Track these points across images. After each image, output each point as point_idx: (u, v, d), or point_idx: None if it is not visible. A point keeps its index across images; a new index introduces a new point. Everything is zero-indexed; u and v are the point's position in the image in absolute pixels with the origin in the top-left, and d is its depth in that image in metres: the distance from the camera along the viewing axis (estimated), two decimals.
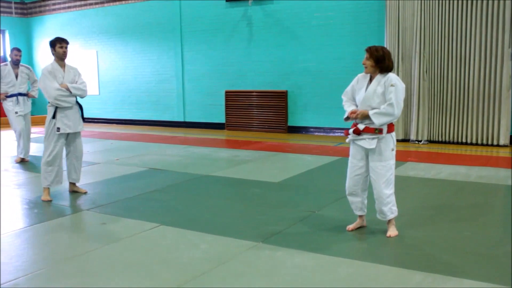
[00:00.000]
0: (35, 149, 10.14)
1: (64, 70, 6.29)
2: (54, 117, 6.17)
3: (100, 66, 16.28)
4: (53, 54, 6.28)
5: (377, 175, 4.62)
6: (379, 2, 11.00)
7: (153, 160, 8.91)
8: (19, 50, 9.06)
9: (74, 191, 6.57)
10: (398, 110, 4.42)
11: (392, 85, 4.43)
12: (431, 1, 10.24)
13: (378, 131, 4.53)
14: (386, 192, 4.61)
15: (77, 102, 6.38)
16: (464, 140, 10.25)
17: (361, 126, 4.60)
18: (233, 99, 13.45)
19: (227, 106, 13.57)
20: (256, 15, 12.80)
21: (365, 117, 4.56)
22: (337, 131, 11.94)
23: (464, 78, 10.13)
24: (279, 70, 12.65)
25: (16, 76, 8.91)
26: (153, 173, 7.83)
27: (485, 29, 9.80)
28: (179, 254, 4.29)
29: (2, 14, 17.21)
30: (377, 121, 4.46)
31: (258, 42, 12.88)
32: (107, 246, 4.55)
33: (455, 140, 10.36)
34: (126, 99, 15.84)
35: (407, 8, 10.50)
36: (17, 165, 8.76)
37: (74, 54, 16.59)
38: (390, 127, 4.59)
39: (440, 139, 10.53)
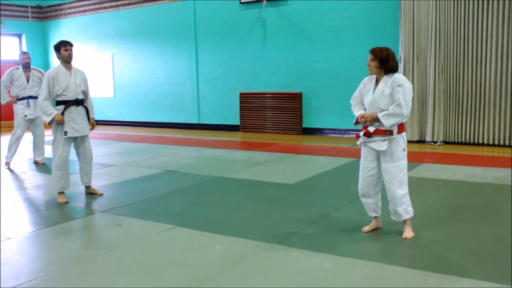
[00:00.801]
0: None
1: (70, 73, 6.28)
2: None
3: (115, 69, 16.39)
4: (58, 57, 6.31)
5: (390, 176, 4.62)
6: (393, 2, 10.95)
7: (168, 162, 8.94)
8: (25, 53, 9.09)
9: (90, 193, 6.62)
10: (406, 110, 4.42)
11: (399, 86, 4.44)
12: (446, 1, 10.16)
13: (389, 132, 4.54)
14: (400, 193, 4.61)
15: (84, 105, 6.39)
16: (480, 141, 10.15)
17: (371, 129, 4.61)
18: (247, 101, 13.46)
19: (241, 108, 13.59)
20: (270, 17, 12.81)
21: (375, 119, 4.56)
22: (352, 132, 11.90)
23: (480, 79, 10.04)
24: (294, 71, 12.64)
25: (28, 80, 8.94)
26: (168, 175, 7.86)
27: (501, 29, 9.70)
28: (194, 256, 4.30)
29: (18, 18, 17.41)
30: (387, 122, 4.47)
31: (273, 44, 12.88)
32: (122, 247, 4.58)
33: (471, 141, 10.27)
34: (141, 101, 15.92)
35: (422, 7, 10.44)
36: (34, 167, 8.84)
37: (90, 57, 16.74)
38: (401, 128, 4.58)
39: (456, 140, 10.45)
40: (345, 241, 4.60)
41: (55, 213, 5.84)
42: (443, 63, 10.34)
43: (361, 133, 4.70)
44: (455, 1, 10.09)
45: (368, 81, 4.77)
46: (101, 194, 6.58)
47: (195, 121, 14.70)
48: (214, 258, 4.23)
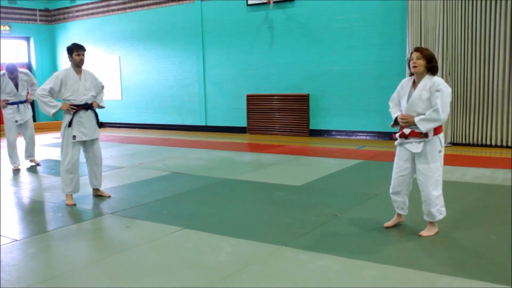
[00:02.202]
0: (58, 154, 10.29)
1: (80, 77, 6.27)
2: (70, 125, 6.20)
3: (122, 71, 16.44)
4: (70, 60, 6.30)
5: (425, 177, 4.65)
6: (401, 3, 10.92)
7: (176, 164, 8.95)
8: (13, 71, 8.77)
9: (98, 195, 6.63)
10: (444, 115, 4.44)
11: (437, 90, 4.46)
12: (454, 1, 10.13)
13: (424, 135, 4.57)
14: (435, 194, 4.65)
15: (92, 109, 6.39)
16: (488, 143, 10.11)
17: (406, 131, 4.66)
18: (255, 102, 13.46)
19: (249, 110, 13.59)
20: (278, 19, 12.81)
21: (411, 123, 4.60)
22: (359, 134, 11.88)
23: (488, 80, 10.00)
24: (301, 73, 12.64)
25: (16, 86, 8.86)
26: (176, 177, 7.87)
27: (509, 29, 9.66)
28: (203, 257, 4.30)
29: (27, 22, 17.50)
30: (423, 127, 4.50)
31: (280, 46, 12.88)
32: (130, 249, 4.58)
33: (479, 142, 10.22)
34: (149, 103, 15.96)
35: (429, 8, 10.40)
36: (40, 168, 8.87)
37: (98, 60, 16.79)
38: (437, 129, 4.60)
39: (464, 142, 10.40)
40: (354, 243, 4.58)
41: (63, 215, 5.86)
42: (450, 64, 10.30)
43: (397, 135, 4.77)
44: (463, 2, 10.06)
45: (406, 82, 4.81)
46: (109, 196, 6.59)
47: (203, 123, 14.72)
48: (223, 259, 4.23)
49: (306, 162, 9.09)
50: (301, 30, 12.48)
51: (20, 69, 9.09)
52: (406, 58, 10.77)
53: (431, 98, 4.50)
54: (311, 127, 12.66)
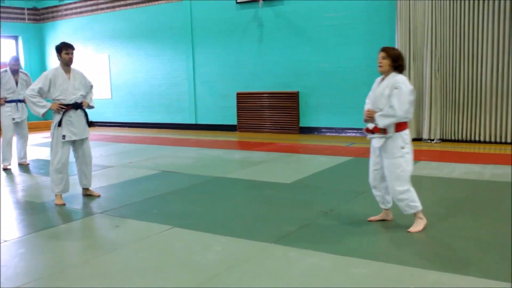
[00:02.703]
0: (47, 154, 10.23)
1: (69, 77, 6.22)
2: (59, 125, 6.16)
3: (112, 70, 16.38)
4: (59, 59, 6.26)
5: (387, 171, 4.79)
6: (390, 1, 10.96)
7: (166, 163, 8.94)
8: (17, 59, 9.08)
9: (88, 195, 6.61)
10: (401, 112, 4.55)
11: (396, 88, 4.60)
12: (442, 0, 10.20)
13: (383, 130, 4.70)
14: (398, 189, 4.73)
15: (82, 108, 6.35)
16: (477, 139, 10.18)
17: (370, 126, 4.81)
18: (244, 100, 13.46)
19: (238, 108, 13.59)
20: (267, 17, 12.81)
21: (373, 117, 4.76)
22: (349, 131, 11.91)
23: (476, 76, 10.06)
24: (291, 71, 12.65)
25: (16, 83, 8.94)
26: (166, 175, 7.86)
27: (497, 27, 9.72)
28: (193, 256, 4.30)
29: (15, 20, 17.38)
30: (380, 122, 4.67)
31: (269, 43, 12.89)
32: (120, 249, 4.57)
33: (468, 138, 10.29)
34: (139, 102, 15.91)
35: (418, 6, 10.45)
36: (30, 168, 8.82)
37: (87, 58, 16.72)
38: (399, 126, 4.68)
39: (452, 138, 10.47)
40: (343, 240, 4.60)
41: (52, 215, 5.83)
42: (439, 61, 10.36)
43: (364, 129, 4.95)
44: (451, 0, 10.11)
45: (378, 80, 4.93)
46: (99, 196, 6.57)
47: (193, 122, 14.70)
48: (213, 258, 4.23)
49: (296, 159, 9.10)
50: (290, 28, 12.48)
51: (21, 70, 9.19)
52: None
53: (390, 95, 4.64)
54: (301, 124, 12.68)
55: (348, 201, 5.93)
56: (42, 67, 18.20)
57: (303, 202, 6.01)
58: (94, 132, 14.84)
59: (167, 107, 15.22)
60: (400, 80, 4.64)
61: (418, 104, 10.72)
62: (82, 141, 6.42)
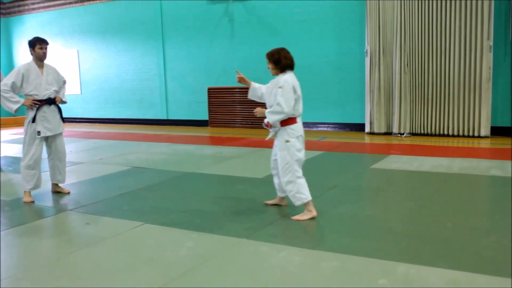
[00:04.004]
0: (16, 151, 10.07)
1: (42, 72, 6.14)
2: (33, 120, 6.08)
3: (81, 65, 16.17)
4: (32, 54, 6.16)
5: (279, 163, 5.15)
6: None
7: (137, 159, 8.87)
8: None
9: (57, 192, 6.53)
10: (287, 108, 4.93)
11: (280, 87, 5.00)
12: None
13: (270, 126, 5.10)
14: (284, 180, 5.08)
15: (56, 104, 6.27)
16: (446, 132, 10.35)
17: (265, 121, 5.14)
18: (216, 96, 13.43)
19: (210, 103, 13.56)
20: (238, 12, 12.79)
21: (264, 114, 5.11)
22: (320, 125, 11.98)
23: (444, 71, 10.23)
24: (262, 66, 12.55)
25: None
26: (137, 171, 7.80)
27: (464, 22, 9.89)
28: (164, 253, 4.28)
29: None
30: (269, 119, 5.01)
31: (241, 39, 12.87)
32: (91, 246, 4.53)
33: (437, 132, 10.46)
34: (109, 98, 15.75)
35: (387, 2, 10.56)
36: None
37: (55, 54, 16.46)
38: (285, 121, 5.05)
39: (422, 132, 10.62)
40: (314, 234, 4.64)
41: (21, 212, 5.74)
42: (408, 56, 10.49)
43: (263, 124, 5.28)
44: None
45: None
46: (68, 193, 6.49)
47: (164, 117, 14.61)
48: (184, 254, 4.21)
49: (267, 154, 9.04)
50: (261, 24, 12.50)
51: None
52: (364, 50, 10.90)
53: (276, 94, 5.00)
54: None
55: (319, 196, 5.96)
56: (10, 62, 17.88)
57: (275, 196, 6.02)
58: (64, 128, 14.64)
59: (138, 102, 15.11)
60: (283, 79, 5.01)
61: (388, 98, 10.85)
62: (56, 136, 6.35)
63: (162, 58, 14.31)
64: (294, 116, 5.07)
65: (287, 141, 5.03)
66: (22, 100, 6.01)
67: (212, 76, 13.47)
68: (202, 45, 13.51)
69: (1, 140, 11.37)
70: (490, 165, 7.32)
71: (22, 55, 17.62)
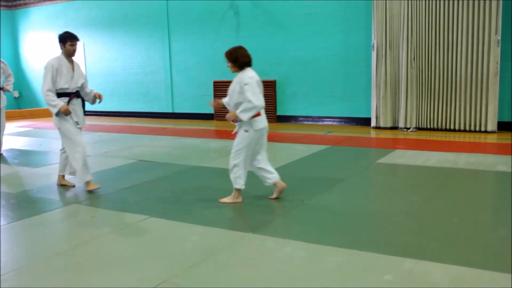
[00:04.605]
0: (22, 144, 10.09)
1: (73, 67, 6.20)
2: (66, 114, 6.09)
3: (87, 58, 16.17)
4: (61, 49, 6.19)
5: (232, 147, 5.50)
6: None
7: (143, 152, 8.87)
8: None
9: (63, 185, 6.53)
10: (258, 102, 5.14)
11: (245, 84, 5.18)
12: None
13: (238, 120, 5.33)
14: (231, 162, 5.45)
15: (81, 97, 6.32)
16: (452, 127, 10.30)
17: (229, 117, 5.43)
18: (221, 89, 13.40)
19: (215, 96, 13.53)
20: (243, 5, 12.75)
21: (235, 116, 5.30)
22: (326, 119, 11.95)
23: (451, 65, 10.17)
24: (268, 59, 12.62)
25: None
26: (142, 165, 7.80)
27: (472, 16, 9.82)
28: (170, 246, 4.28)
29: None
30: (244, 117, 5.19)
31: (246, 32, 12.84)
32: (96, 240, 4.53)
33: (444, 127, 10.41)
34: (115, 91, 15.75)
35: None
36: (5, 158, 8.68)
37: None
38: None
39: (428, 126, 10.58)
40: (320, 229, 4.62)
41: (26, 205, 5.75)
42: (415, 50, 10.43)
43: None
44: None
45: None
46: (73, 186, 6.50)
47: (169, 110, 14.61)
48: (189, 248, 4.21)
49: (273, 148, 9.09)
50: (267, 17, 12.45)
51: None
52: (371, 44, 10.85)
53: (242, 92, 5.19)
54: (278, 113, 12.69)
55: (326, 190, 5.95)
56: (16, 54, 17.92)
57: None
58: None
59: (144, 95, 15.10)
60: (248, 76, 5.23)
61: (394, 92, 10.81)
62: (80, 130, 6.37)
63: (167, 51, 14.29)
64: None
65: (246, 131, 5.33)
66: (60, 106, 6.01)
67: (218, 69, 13.44)
68: (208, 38, 13.48)
69: (6, 133, 11.41)
70: (497, 160, 7.29)
71: (28, 48, 17.63)
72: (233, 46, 5.50)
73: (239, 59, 5.35)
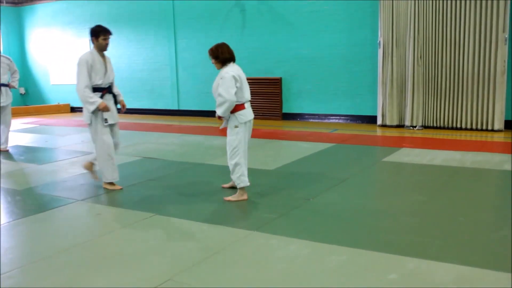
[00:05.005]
0: (28, 140, 10.12)
1: (105, 62, 6.08)
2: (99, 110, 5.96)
3: None
4: (93, 43, 6.06)
5: (227, 147, 5.58)
6: None
7: (148, 149, 8.87)
8: None
9: (88, 170, 6.47)
10: (228, 95, 5.30)
11: (221, 78, 5.41)
12: None
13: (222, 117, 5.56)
14: (230, 162, 5.53)
15: (112, 93, 6.20)
16: (458, 125, 10.25)
17: (216, 114, 5.61)
18: None
19: None
20: (249, 2, 12.71)
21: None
22: (332, 117, 11.92)
23: (458, 63, 10.11)
24: (273, 57, 12.59)
25: None
26: (147, 162, 7.80)
27: (479, 14, 9.75)
28: (174, 244, 4.27)
29: None
30: (218, 112, 5.45)
31: (252, 29, 12.81)
32: (101, 237, 4.53)
33: (450, 125, 10.36)
34: (120, 88, 15.51)
35: None
36: (10, 155, 8.71)
37: (66, 43, 16.50)
38: (234, 108, 5.43)
39: (434, 125, 10.53)
40: (324, 227, 4.60)
41: (32, 202, 5.76)
42: (422, 48, 10.38)
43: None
44: None
45: None
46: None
47: (175, 107, 14.61)
48: (194, 246, 4.20)
49: (278, 146, 9.09)
50: (273, 14, 12.41)
51: (3, 54, 9.05)
52: (378, 42, 10.81)
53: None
54: (284, 110, 12.66)
55: (330, 188, 5.93)
56: (22, 51, 17.95)
57: (285, 188, 6.01)
58: (75, 118, 14.70)
59: (149, 92, 15.11)
60: (224, 71, 5.44)
61: (401, 90, 10.77)
62: (115, 125, 6.30)
63: (173, 48, 14.28)
64: (242, 103, 5.49)
65: (236, 127, 5.45)
66: (98, 103, 5.87)
67: None
68: (213, 36, 13.44)
69: (12, 129, 11.44)
70: (503, 159, 7.24)
71: (34, 45, 17.66)
72: (216, 43, 5.72)
73: (220, 55, 5.55)
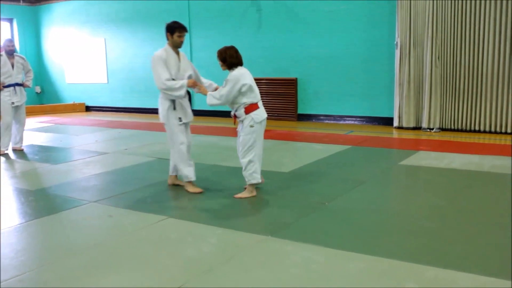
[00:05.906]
0: (43, 140, 10.12)
1: (179, 58, 5.97)
2: (174, 108, 5.93)
3: (108, 54, 16.20)
4: (168, 39, 5.97)
5: (240, 145, 5.73)
6: None
7: (162, 150, 8.82)
8: (11, 40, 9.02)
9: (176, 184, 6.35)
10: (225, 100, 5.64)
11: (225, 81, 5.59)
12: None
13: (237, 116, 5.76)
14: (243, 160, 5.68)
15: (188, 91, 6.06)
16: (477, 128, 10.08)
17: (232, 113, 5.84)
18: None
19: None
20: (265, 2, 12.63)
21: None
22: (348, 119, 11.80)
23: (477, 65, 9.93)
24: (289, 57, 12.50)
25: (12, 66, 8.85)
26: (161, 163, 7.75)
27: (499, 14, 9.58)
28: (187, 248, 4.21)
29: (9, 3, 17.15)
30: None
31: (268, 29, 12.72)
32: (113, 239, 4.48)
33: (468, 128, 10.19)
34: (135, 87, 15.76)
35: None
36: (25, 154, 8.71)
37: (82, 42, 16.54)
38: (248, 109, 5.63)
39: (452, 127, 10.37)
40: (341, 233, 4.51)
41: (44, 203, 5.73)
42: (439, 49, 10.23)
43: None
44: None
45: None
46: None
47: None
48: (207, 251, 4.14)
49: (293, 147, 9.00)
50: (289, 13, 12.32)
51: (17, 54, 9.13)
52: (395, 42, 10.68)
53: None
54: (299, 111, 12.57)
55: (347, 192, 5.83)
56: (38, 50, 18.04)
57: (301, 192, 5.92)
58: (89, 117, 14.73)
59: None
60: (231, 75, 5.59)
61: (418, 92, 10.62)
62: (188, 124, 6.23)
63: (188, 47, 14.23)
64: (255, 102, 5.65)
65: (252, 126, 5.60)
66: (185, 82, 5.82)
67: None
68: (229, 35, 13.38)
69: (27, 128, 11.47)
70: None
71: (50, 44, 17.73)
72: (225, 46, 5.81)
73: (227, 59, 5.66)
